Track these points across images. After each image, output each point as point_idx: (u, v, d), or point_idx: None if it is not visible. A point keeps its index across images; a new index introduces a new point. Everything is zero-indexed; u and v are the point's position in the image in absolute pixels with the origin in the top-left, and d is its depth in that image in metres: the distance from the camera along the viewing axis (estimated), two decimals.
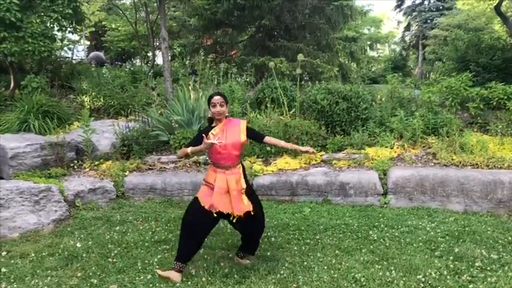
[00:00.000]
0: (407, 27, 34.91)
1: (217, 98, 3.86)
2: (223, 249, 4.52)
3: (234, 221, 3.83)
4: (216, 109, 3.84)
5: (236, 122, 3.98)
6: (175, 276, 3.82)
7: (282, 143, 4.23)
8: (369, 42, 34.30)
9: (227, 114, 3.96)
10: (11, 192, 5.26)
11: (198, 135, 3.94)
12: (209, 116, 4.00)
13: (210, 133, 3.83)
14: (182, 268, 3.87)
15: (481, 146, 6.57)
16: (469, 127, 7.91)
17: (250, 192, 4.01)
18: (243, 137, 3.89)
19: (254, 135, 4.11)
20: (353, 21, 20.30)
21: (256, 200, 4.06)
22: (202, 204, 3.82)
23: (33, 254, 4.46)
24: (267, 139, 4.11)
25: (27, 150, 6.56)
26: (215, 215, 3.81)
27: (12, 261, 4.34)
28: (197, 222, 3.85)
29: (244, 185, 3.87)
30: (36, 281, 3.89)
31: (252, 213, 3.82)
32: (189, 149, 3.77)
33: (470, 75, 8.60)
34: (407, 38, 35.23)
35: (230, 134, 3.86)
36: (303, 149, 4.09)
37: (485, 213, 5.57)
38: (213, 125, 3.96)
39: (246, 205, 3.81)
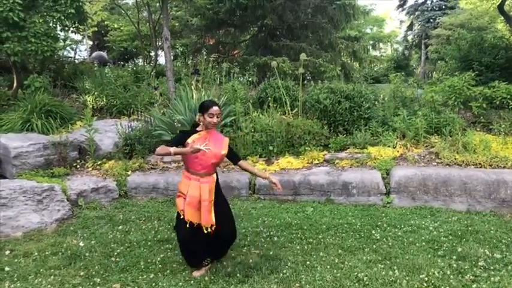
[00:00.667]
0: (410, 27, 34.80)
1: (216, 109, 3.85)
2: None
3: (206, 232, 3.82)
4: (213, 120, 3.84)
5: (221, 138, 4.02)
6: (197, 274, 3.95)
7: (255, 170, 4.33)
8: (371, 42, 34.21)
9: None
10: (14, 192, 5.27)
11: (181, 136, 3.95)
12: (197, 120, 3.97)
13: (192, 137, 3.84)
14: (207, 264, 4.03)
15: (484, 146, 6.56)
16: (472, 126, 7.89)
17: (221, 202, 4.04)
18: (225, 150, 3.93)
19: (231, 155, 4.08)
20: (355, 21, 20.24)
21: (226, 206, 4.14)
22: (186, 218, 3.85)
23: (36, 253, 4.47)
24: (241, 163, 4.13)
25: (30, 149, 6.58)
26: (194, 225, 3.85)
27: (16, 260, 4.35)
28: (192, 238, 3.90)
29: (213, 197, 3.88)
30: (40, 280, 3.90)
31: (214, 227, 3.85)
32: (172, 149, 3.68)
33: (473, 74, 8.59)
34: (409, 38, 35.13)
35: (213, 143, 3.87)
36: (269, 178, 4.11)
37: (488, 213, 5.55)
38: (198, 129, 3.95)
39: (212, 218, 3.84)
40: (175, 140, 3.96)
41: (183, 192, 3.89)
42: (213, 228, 3.84)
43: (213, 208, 3.85)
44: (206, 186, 3.83)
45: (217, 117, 3.87)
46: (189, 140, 3.82)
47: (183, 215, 3.86)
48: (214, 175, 3.96)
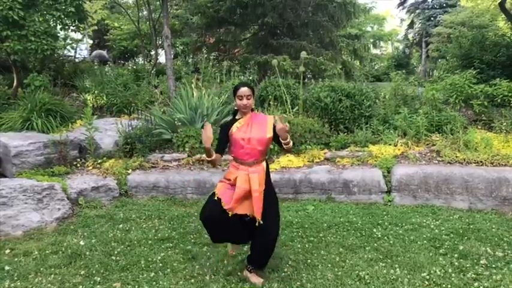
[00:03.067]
0: (411, 25, 34.78)
1: (244, 90, 3.58)
2: (226, 247, 4.50)
3: (257, 224, 3.52)
4: (243, 102, 3.59)
5: (263, 118, 3.72)
6: (254, 279, 3.75)
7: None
8: (372, 40, 34.22)
9: (253, 107, 3.73)
10: (14, 191, 5.26)
11: (223, 131, 3.71)
12: (234, 107, 3.73)
13: (234, 125, 3.63)
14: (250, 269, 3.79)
15: (485, 144, 6.54)
16: (473, 124, 7.87)
17: (270, 192, 3.69)
18: (270, 133, 3.60)
19: (276, 135, 3.62)
20: (356, 19, 20.23)
21: (275, 201, 3.78)
22: (220, 199, 3.58)
23: (36, 252, 4.46)
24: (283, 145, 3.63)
25: (30, 148, 6.56)
26: (230, 215, 3.55)
27: (16, 259, 4.33)
28: (216, 219, 3.62)
29: (263, 187, 3.58)
30: (40, 278, 3.88)
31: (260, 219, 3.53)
32: (205, 155, 3.56)
33: (474, 72, 8.57)
34: (410, 36, 35.11)
35: (256, 128, 3.61)
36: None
37: (490, 211, 5.53)
38: (237, 117, 3.73)
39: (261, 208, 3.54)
40: (220, 138, 3.74)
41: (229, 178, 3.64)
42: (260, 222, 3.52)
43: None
44: (255, 176, 3.56)
45: (247, 99, 3.58)
46: (233, 129, 3.61)
47: (218, 197, 3.59)
48: (264, 163, 3.68)
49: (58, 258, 4.32)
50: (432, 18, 30.69)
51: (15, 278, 3.90)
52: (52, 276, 3.94)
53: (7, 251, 4.52)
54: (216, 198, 3.61)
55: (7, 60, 9.84)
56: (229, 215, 3.54)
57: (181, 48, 20.38)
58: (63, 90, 10.47)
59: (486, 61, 9.74)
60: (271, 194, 3.71)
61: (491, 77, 9.08)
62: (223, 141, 3.72)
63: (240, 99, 3.60)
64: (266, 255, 3.75)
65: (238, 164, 3.64)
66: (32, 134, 7.30)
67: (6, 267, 4.11)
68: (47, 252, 4.47)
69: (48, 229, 5.17)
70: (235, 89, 3.65)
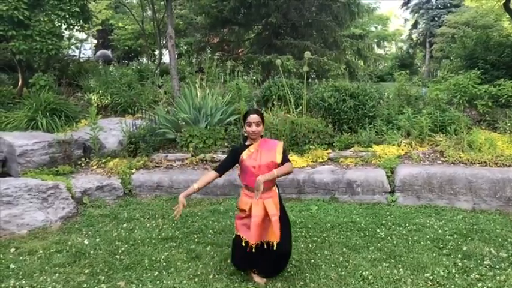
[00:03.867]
0: (415, 25, 34.69)
1: (253, 117, 3.61)
2: (230, 247, 4.51)
3: (275, 248, 3.54)
4: (252, 128, 3.61)
5: (273, 144, 3.73)
6: (257, 279, 3.81)
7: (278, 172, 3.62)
8: (376, 40, 34.14)
9: (262, 134, 3.75)
10: (19, 190, 5.29)
11: (234, 154, 3.71)
12: (244, 133, 3.75)
13: (244, 152, 3.63)
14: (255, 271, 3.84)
15: (489, 144, 6.52)
16: (477, 125, 7.85)
17: (283, 214, 3.74)
18: (279, 158, 3.61)
19: (283, 159, 3.68)
20: (360, 19, 20.19)
21: (288, 222, 3.84)
22: (245, 240, 3.58)
23: (41, 251, 4.49)
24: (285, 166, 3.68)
25: (35, 147, 6.60)
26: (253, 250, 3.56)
27: (21, 257, 4.36)
28: (243, 260, 3.74)
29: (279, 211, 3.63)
30: (44, 277, 3.91)
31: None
32: (196, 185, 3.59)
33: (478, 72, 8.55)
34: (414, 36, 35.01)
35: (265, 154, 3.62)
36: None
37: (494, 212, 5.53)
38: (247, 143, 3.73)
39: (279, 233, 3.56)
40: (227, 159, 3.76)
41: (244, 209, 3.62)
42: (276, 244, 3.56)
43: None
44: (270, 201, 3.58)
45: (257, 126, 3.61)
46: (244, 156, 3.61)
47: (245, 240, 3.58)
48: (275, 187, 3.73)
49: (62, 257, 4.34)
50: (436, 19, 30.62)
51: (20, 277, 3.92)
52: (56, 274, 3.96)
53: (12, 250, 4.55)
54: (243, 243, 3.60)
55: (12, 59, 9.88)
56: (252, 250, 3.56)
57: (185, 48, 20.41)
58: (68, 90, 10.51)
59: (490, 61, 9.71)
60: (284, 216, 3.76)
61: (496, 78, 9.05)
62: (229, 163, 3.74)
63: (249, 126, 3.63)
64: (276, 270, 3.83)
65: (251, 192, 3.60)
66: (37, 133, 7.34)
67: (12, 266, 4.13)
68: (52, 251, 4.50)
69: (53, 228, 5.19)
70: (245, 115, 3.70)
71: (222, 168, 3.71)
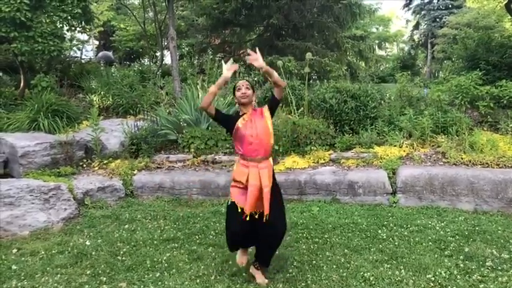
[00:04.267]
0: (416, 26, 34.67)
1: (242, 82, 3.73)
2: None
3: (264, 221, 3.54)
4: (242, 91, 3.66)
5: (260, 111, 3.74)
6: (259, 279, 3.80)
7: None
8: (377, 41, 34.17)
9: (254, 103, 3.77)
10: (21, 191, 5.29)
11: (228, 117, 3.88)
12: (238, 109, 3.81)
13: (239, 121, 3.65)
14: (256, 266, 3.84)
15: (491, 145, 6.51)
16: (478, 126, 7.84)
17: (275, 188, 3.73)
18: (270, 126, 3.69)
19: (271, 103, 3.76)
20: (361, 20, 20.20)
21: (280, 196, 3.82)
22: (241, 208, 3.59)
23: (43, 252, 4.49)
24: (275, 91, 3.75)
25: (37, 149, 6.61)
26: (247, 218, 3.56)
27: (23, 258, 4.37)
28: (239, 229, 3.65)
29: (271, 183, 3.63)
30: (46, 278, 3.91)
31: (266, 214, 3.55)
32: (213, 87, 3.63)
33: (480, 73, 8.54)
34: (416, 37, 35.00)
35: (258, 122, 3.65)
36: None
37: (495, 213, 5.51)
38: (240, 114, 3.76)
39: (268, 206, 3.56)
40: (226, 117, 3.87)
41: (240, 180, 3.61)
42: (268, 218, 3.54)
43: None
44: (265, 171, 3.58)
45: (246, 88, 3.67)
46: (239, 125, 3.64)
47: (240, 207, 3.59)
48: (270, 159, 3.72)
49: (64, 258, 4.35)
50: (438, 19, 30.60)
51: (22, 278, 3.93)
52: (58, 275, 3.96)
53: (14, 251, 4.56)
54: (239, 209, 3.60)
55: (14, 61, 9.90)
56: (247, 218, 3.55)
57: (187, 49, 20.43)
58: (70, 91, 10.53)
59: (492, 62, 9.69)
60: (277, 190, 3.76)
61: (497, 78, 9.04)
62: (225, 118, 3.82)
63: (238, 90, 3.68)
64: (271, 250, 3.79)
65: (248, 162, 3.62)
66: (38, 134, 7.35)
67: (14, 267, 4.14)
68: (54, 252, 4.51)
69: (55, 229, 5.20)
70: (234, 85, 3.77)
71: (220, 113, 3.79)
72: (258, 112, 3.74)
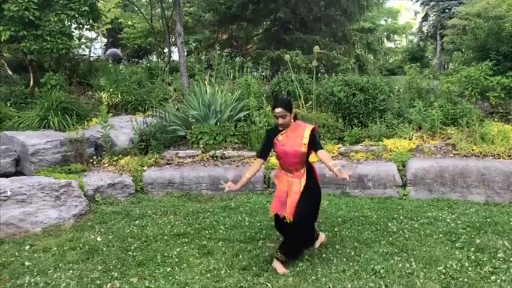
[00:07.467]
0: (425, 18, 34.25)
1: (278, 112, 3.74)
2: (241, 242, 4.53)
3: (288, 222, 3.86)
4: (279, 121, 3.80)
5: (301, 129, 3.83)
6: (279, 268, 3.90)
7: (329, 163, 3.69)
8: (385, 33, 33.88)
9: (294, 119, 3.89)
10: (32, 188, 5.35)
11: (268, 137, 4.01)
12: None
13: (278, 136, 3.87)
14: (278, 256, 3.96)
15: (502, 136, 6.44)
16: (489, 117, 7.76)
17: (309, 194, 3.90)
18: (304, 148, 3.78)
19: (313, 144, 3.83)
20: (369, 13, 20.07)
21: (312, 202, 3.97)
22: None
23: (55, 248, 4.54)
24: (320, 153, 3.77)
25: (47, 146, 6.67)
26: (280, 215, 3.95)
27: (36, 254, 4.42)
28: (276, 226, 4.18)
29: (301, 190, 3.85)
30: (59, 274, 3.96)
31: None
32: (247, 175, 3.95)
33: (490, 64, 8.43)
34: (424, 29, 34.58)
35: (292, 141, 3.80)
36: (340, 175, 3.57)
37: (507, 204, 5.47)
38: (280, 127, 3.90)
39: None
40: (265, 143, 4.05)
41: (276, 183, 4.10)
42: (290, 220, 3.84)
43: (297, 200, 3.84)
44: (296, 180, 3.86)
45: (283, 118, 3.75)
46: (276, 141, 3.88)
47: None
48: (303, 170, 3.89)
49: (76, 254, 4.39)
50: (447, 10, 30.18)
51: (35, 273, 3.98)
52: (70, 271, 4.01)
53: (27, 247, 4.61)
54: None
55: (24, 60, 9.97)
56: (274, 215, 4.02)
57: (195, 45, 20.44)
58: (79, 89, 10.59)
59: (503, 52, 9.55)
60: (310, 196, 3.91)
61: (508, 69, 8.91)
62: (268, 147, 3.99)
63: (276, 119, 3.80)
64: (293, 246, 3.97)
65: (281, 170, 4.00)
66: (49, 132, 7.40)
67: (27, 263, 4.19)
68: (65, 248, 4.56)
69: (66, 225, 5.25)
70: (273, 107, 3.86)
71: (264, 153, 4.04)
72: (299, 130, 3.86)
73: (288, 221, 3.83)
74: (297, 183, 3.85)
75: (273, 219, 4.23)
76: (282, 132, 3.86)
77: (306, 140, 3.78)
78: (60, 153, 6.79)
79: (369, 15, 23.54)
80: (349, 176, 3.54)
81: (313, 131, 3.85)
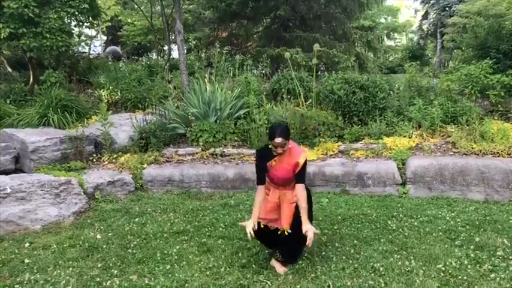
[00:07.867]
0: (425, 16, 34.20)
1: (278, 142, 3.58)
2: (241, 240, 4.53)
3: (280, 234, 3.79)
4: (277, 151, 3.66)
5: (295, 156, 3.74)
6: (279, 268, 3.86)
7: (302, 205, 3.69)
8: (385, 32, 33.83)
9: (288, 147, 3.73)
10: (32, 185, 5.35)
11: (260, 161, 3.85)
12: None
13: (271, 161, 3.77)
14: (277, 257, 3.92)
15: (502, 134, 6.45)
16: (489, 115, 7.77)
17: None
18: (294, 173, 3.76)
19: (300, 173, 3.76)
20: (369, 10, 20.07)
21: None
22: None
23: (55, 246, 4.54)
24: (299, 188, 3.74)
25: (47, 144, 6.67)
26: (262, 226, 3.80)
27: (35, 252, 4.42)
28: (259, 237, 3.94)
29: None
30: (58, 271, 3.95)
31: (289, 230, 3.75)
32: (256, 212, 3.77)
33: (490, 62, 8.42)
34: (425, 27, 34.54)
35: (283, 168, 3.75)
36: (305, 230, 3.61)
37: (506, 202, 5.48)
38: (274, 154, 3.76)
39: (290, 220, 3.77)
40: (260, 168, 3.87)
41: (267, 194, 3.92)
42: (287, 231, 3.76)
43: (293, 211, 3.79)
44: (288, 192, 3.82)
45: (282, 147, 3.62)
46: (269, 165, 3.79)
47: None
48: (293, 184, 3.81)
49: (76, 252, 4.39)
50: (447, 8, 30.13)
51: (35, 271, 3.98)
52: (70, 269, 4.00)
53: (27, 245, 4.61)
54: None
55: (23, 57, 9.96)
56: (262, 227, 3.80)
57: (194, 42, 20.42)
58: (78, 86, 10.58)
59: (503, 51, 9.54)
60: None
61: (508, 67, 8.91)
62: (263, 172, 3.88)
63: (275, 148, 3.67)
64: (293, 250, 3.92)
65: (271, 184, 3.89)
66: (48, 130, 7.40)
67: (26, 260, 4.19)
68: (65, 245, 4.55)
69: (66, 223, 5.25)
70: (270, 135, 3.65)
71: (262, 179, 3.88)
72: (292, 156, 3.75)
73: (286, 232, 3.74)
74: (289, 193, 3.81)
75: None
76: (274, 158, 3.75)
77: (298, 169, 3.74)
78: (60, 150, 6.79)
79: (369, 13, 23.55)
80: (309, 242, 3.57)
81: (305, 161, 3.79)
